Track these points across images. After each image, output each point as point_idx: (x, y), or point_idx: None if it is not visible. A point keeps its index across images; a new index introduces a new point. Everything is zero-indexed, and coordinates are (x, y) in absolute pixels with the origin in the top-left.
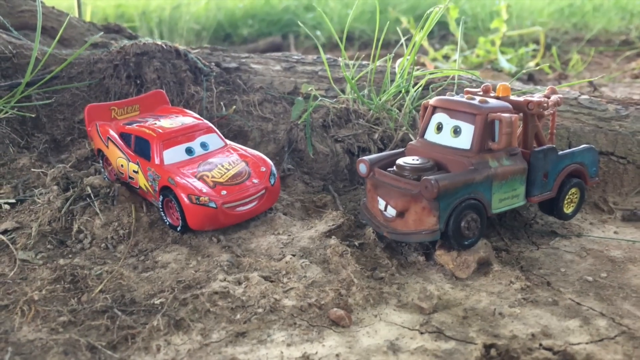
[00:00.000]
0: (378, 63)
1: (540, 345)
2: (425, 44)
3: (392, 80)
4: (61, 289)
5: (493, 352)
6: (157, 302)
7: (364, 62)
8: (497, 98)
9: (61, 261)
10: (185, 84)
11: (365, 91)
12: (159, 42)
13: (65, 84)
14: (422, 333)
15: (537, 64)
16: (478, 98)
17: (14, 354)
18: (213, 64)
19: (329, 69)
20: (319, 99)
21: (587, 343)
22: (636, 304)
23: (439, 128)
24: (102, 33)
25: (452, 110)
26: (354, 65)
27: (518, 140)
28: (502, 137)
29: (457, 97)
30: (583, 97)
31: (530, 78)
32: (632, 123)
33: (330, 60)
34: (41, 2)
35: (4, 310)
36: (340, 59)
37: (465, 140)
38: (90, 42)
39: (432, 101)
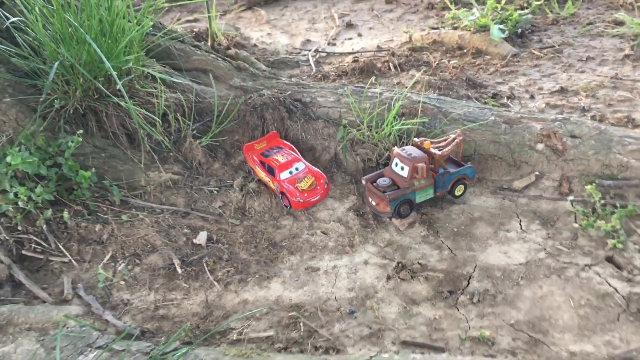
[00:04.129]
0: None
1: (419, 263)
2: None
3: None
4: (248, 236)
5: (400, 266)
6: (283, 244)
7: (377, 90)
8: (422, 149)
9: (245, 222)
10: (285, 120)
11: (372, 123)
12: (270, 94)
13: (223, 120)
14: (379, 256)
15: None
16: (413, 151)
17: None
18: (297, 101)
19: (352, 104)
20: (348, 129)
21: (437, 261)
22: (468, 243)
23: (396, 164)
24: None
25: (400, 157)
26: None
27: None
28: (421, 173)
29: (404, 151)
30: (492, 118)
31: (521, 35)
32: (510, 137)
33: (358, 89)
34: (204, 50)
35: (231, 244)
36: (364, 87)
37: (405, 173)
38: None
39: (393, 151)
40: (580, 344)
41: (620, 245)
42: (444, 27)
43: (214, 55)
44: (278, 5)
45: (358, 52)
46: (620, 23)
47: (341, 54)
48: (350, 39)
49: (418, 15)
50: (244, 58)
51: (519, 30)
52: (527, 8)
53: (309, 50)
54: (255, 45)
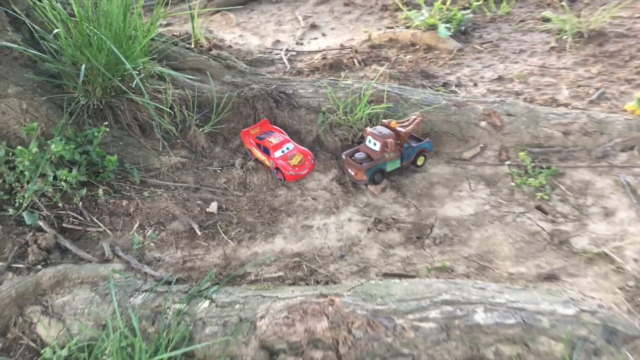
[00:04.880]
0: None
1: (392, 218)
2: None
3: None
4: (252, 204)
5: (377, 221)
6: (281, 208)
7: (348, 82)
8: (390, 128)
9: (247, 194)
10: (273, 109)
11: (347, 109)
12: (259, 87)
13: (220, 111)
14: (360, 215)
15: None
16: (382, 130)
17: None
18: (282, 93)
19: (329, 94)
20: (327, 115)
21: (406, 216)
22: (429, 201)
23: (369, 141)
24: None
25: (373, 135)
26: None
27: (403, 140)
28: (390, 147)
29: (375, 130)
30: (443, 102)
31: (464, 32)
32: (459, 117)
33: (333, 81)
34: (197, 52)
35: (238, 210)
36: (338, 79)
37: (377, 147)
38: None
39: (366, 131)
40: (517, 267)
41: (546, 197)
42: (398, 27)
43: (205, 56)
44: (245, 9)
45: (325, 50)
46: (547, 20)
47: (310, 52)
48: (315, 38)
49: (374, 16)
50: (225, 58)
51: (463, 28)
52: (468, 8)
53: (281, 50)
54: (230, 46)
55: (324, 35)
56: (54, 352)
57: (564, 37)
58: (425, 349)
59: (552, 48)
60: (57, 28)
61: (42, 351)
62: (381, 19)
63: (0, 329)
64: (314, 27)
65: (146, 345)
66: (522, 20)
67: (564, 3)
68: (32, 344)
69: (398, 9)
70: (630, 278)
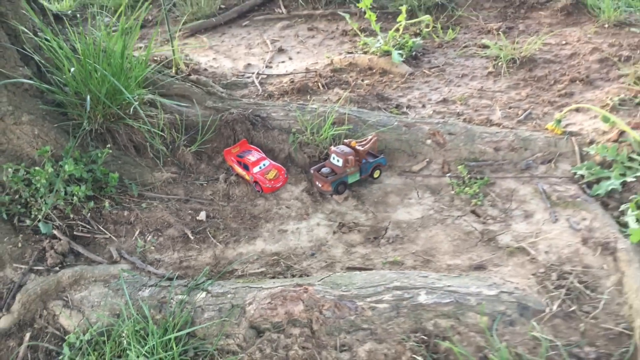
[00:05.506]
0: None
1: (353, 222)
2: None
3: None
4: (235, 212)
5: (341, 225)
6: (260, 216)
7: (314, 106)
8: (350, 147)
9: (231, 204)
10: (250, 130)
11: (314, 130)
12: (237, 112)
13: (204, 133)
14: (326, 220)
15: (424, 36)
16: (344, 148)
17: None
18: (257, 117)
19: (298, 117)
20: (296, 135)
21: (365, 220)
22: (384, 208)
23: (333, 158)
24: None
25: (336, 153)
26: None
27: (361, 156)
28: (350, 163)
29: (338, 148)
30: (395, 123)
31: (415, 57)
32: (408, 136)
33: (301, 105)
34: (181, 80)
35: (224, 218)
36: (306, 104)
37: (340, 163)
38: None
39: (330, 149)
40: (453, 260)
41: (479, 203)
42: (357, 52)
43: (189, 84)
44: (216, 32)
45: (292, 73)
46: (486, 47)
47: (279, 75)
48: (283, 62)
49: (335, 40)
50: (204, 83)
51: (414, 54)
52: (419, 34)
53: (252, 73)
54: (205, 69)
55: (290, 58)
56: (77, 337)
57: (499, 63)
58: (380, 324)
59: (490, 73)
60: (63, 64)
61: (67, 337)
62: (342, 44)
63: (28, 321)
64: (281, 50)
65: (156, 328)
66: (465, 46)
67: (500, 32)
68: (57, 332)
69: (356, 35)
70: (541, 267)
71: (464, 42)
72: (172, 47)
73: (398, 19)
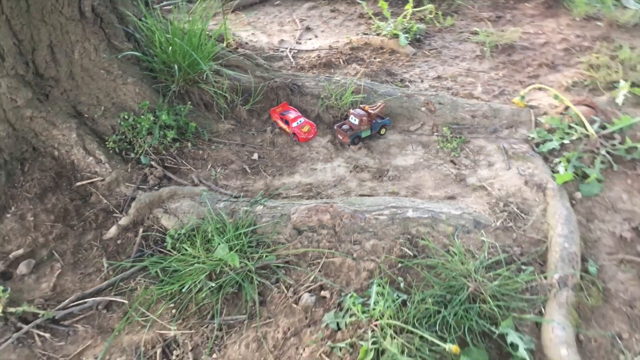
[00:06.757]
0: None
1: (365, 165)
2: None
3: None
4: (278, 155)
5: (355, 166)
6: (297, 158)
7: (338, 78)
8: (364, 110)
9: (275, 149)
10: (289, 95)
11: (337, 97)
12: (280, 81)
13: (255, 96)
14: (345, 163)
15: (427, 21)
16: (359, 111)
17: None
18: (295, 84)
19: (326, 86)
20: (324, 100)
21: (373, 164)
22: (387, 156)
23: (352, 118)
24: (265, 66)
25: (354, 114)
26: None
27: (372, 118)
28: (364, 122)
29: (355, 110)
30: (399, 94)
31: (419, 40)
32: (408, 104)
33: (328, 77)
34: (235, 54)
35: (271, 158)
36: (331, 76)
37: (356, 122)
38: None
39: (349, 111)
40: (434, 192)
41: (456, 155)
42: (371, 34)
43: (242, 57)
44: (253, 10)
45: (318, 49)
46: (476, 33)
47: (307, 51)
48: (310, 39)
49: (353, 22)
50: (251, 56)
51: (417, 37)
52: (423, 19)
53: (286, 48)
54: (247, 43)
55: (316, 36)
56: (176, 231)
57: (485, 48)
58: (380, 228)
59: (477, 56)
60: (157, 41)
61: (167, 232)
62: (359, 25)
63: (140, 221)
64: (308, 29)
65: (231, 227)
66: (460, 32)
67: (490, 21)
68: (160, 229)
69: (371, 18)
70: (494, 198)
71: (460, 28)
72: (225, 24)
73: (406, 7)
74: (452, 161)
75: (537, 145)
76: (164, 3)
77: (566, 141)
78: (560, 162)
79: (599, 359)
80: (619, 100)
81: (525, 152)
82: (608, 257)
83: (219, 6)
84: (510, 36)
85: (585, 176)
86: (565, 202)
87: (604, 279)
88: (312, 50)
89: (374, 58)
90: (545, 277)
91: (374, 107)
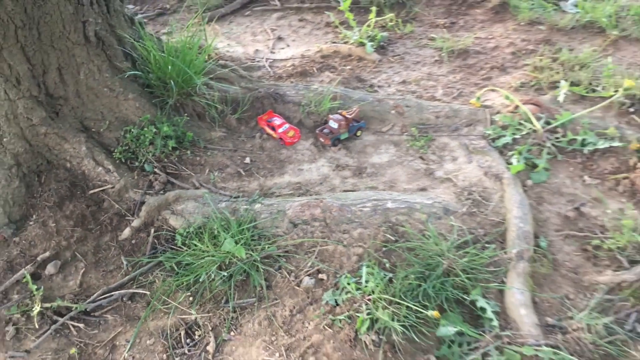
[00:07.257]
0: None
1: (345, 164)
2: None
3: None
4: (268, 158)
5: (337, 166)
6: (285, 160)
7: (315, 86)
8: (342, 115)
9: (264, 152)
10: (273, 103)
11: (316, 103)
12: (264, 90)
13: (243, 106)
14: (328, 163)
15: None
16: (338, 116)
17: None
18: (277, 94)
19: (305, 94)
20: (304, 107)
21: (352, 163)
22: (364, 155)
23: (331, 122)
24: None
25: (333, 119)
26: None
27: (349, 122)
28: (343, 125)
29: (334, 115)
30: (370, 99)
31: (382, 47)
32: (380, 108)
33: (306, 85)
34: (221, 67)
35: (261, 161)
36: (309, 85)
37: (335, 126)
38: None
39: (329, 117)
40: (408, 186)
41: (424, 152)
42: (339, 42)
43: (227, 70)
44: (225, 21)
45: (291, 58)
46: (433, 39)
47: (282, 60)
48: (282, 48)
49: (321, 30)
50: (234, 69)
51: (381, 44)
52: (385, 27)
53: (262, 58)
54: (224, 54)
55: (288, 45)
56: (184, 229)
57: (443, 53)
58: (365, 219)
59: (436, 60)
60: (151, 59)
61: (176, 230)
62: (327, 34)
63: (150, 222)
64: (280, 38)
65: (234, 223)
66: (420, 38)
67: (445, 27)
68: (169, 229)
69: (337, 27)
70: (459, 188)
71: (418, 34)
72: (206, 38)
73: (370, 17)
74: (421, 157)
75: (493, 140)
76: (139, 16)
77: (517, 136)
78: (513, 154)
79: (552, 316)
80: (561, 98)
81: (484, 147)
82: (556, 233)
83: (194, 19)
84: (465, 42)
85: (534, 166)
86: (519, 189)
87: (552, 251)
88: (287, 59)
89: (344, 65)
90: (505, 253)
91: (350, 112)
